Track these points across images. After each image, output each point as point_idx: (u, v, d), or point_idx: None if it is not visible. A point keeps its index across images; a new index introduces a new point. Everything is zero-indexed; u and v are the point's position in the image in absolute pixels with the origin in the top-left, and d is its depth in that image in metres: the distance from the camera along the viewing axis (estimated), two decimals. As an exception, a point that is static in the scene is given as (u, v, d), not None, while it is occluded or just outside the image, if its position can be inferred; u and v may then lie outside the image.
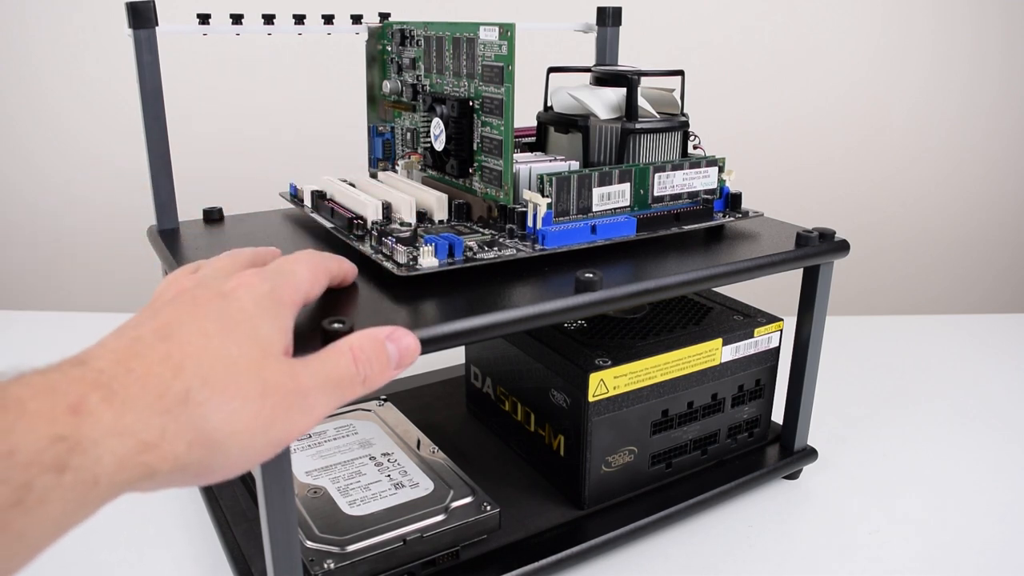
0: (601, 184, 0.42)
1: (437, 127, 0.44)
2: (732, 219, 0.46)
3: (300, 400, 0.25)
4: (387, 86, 0.50)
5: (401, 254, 0.36)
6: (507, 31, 0.39)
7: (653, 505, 0.44)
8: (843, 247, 0.44)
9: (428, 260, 0.36)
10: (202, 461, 0.23)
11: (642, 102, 0.44)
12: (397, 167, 0.51)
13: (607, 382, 0.41)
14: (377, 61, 0.52)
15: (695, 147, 0.46)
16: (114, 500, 0.21)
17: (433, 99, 0.44)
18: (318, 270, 0.31)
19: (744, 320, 0.47)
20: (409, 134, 0.50)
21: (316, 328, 0.29)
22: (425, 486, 0.42)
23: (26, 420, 0.20)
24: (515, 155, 0.43)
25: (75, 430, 0.20)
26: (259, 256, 0.32)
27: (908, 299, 1.04)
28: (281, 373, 0.25)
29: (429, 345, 0.31)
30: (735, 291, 0.50)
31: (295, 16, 0.47)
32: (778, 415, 0.50)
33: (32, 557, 0.20)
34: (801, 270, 0.45)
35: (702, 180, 0.45)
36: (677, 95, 0.46)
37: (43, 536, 0.20)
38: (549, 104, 0.48)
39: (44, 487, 0.19)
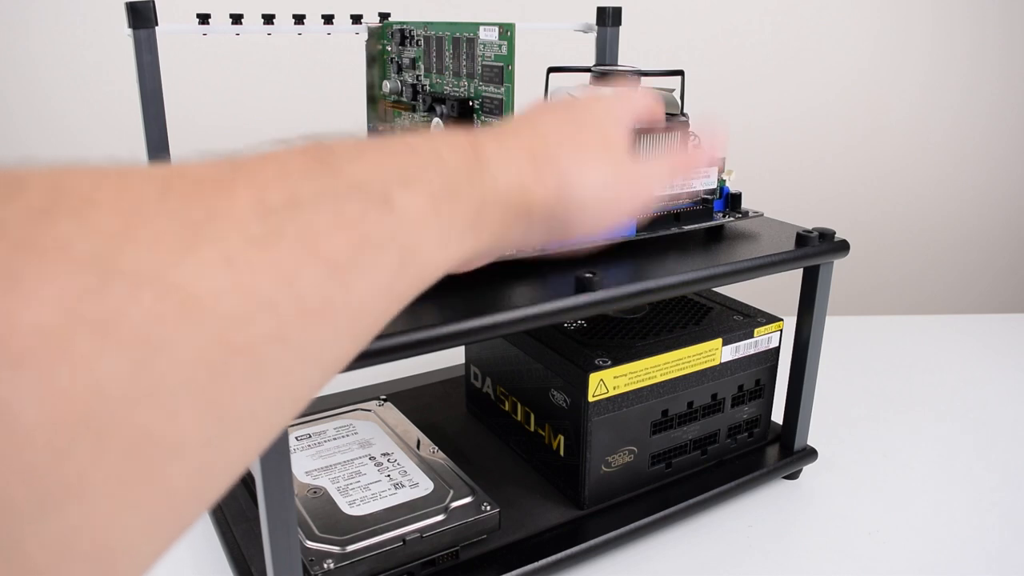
0: (601, 184, 0.42)
1: (437, 127, 0.44)
2: (732, 219, 0.46)
3: (637, 178, 0.31)
4: (387, 86, 0.50)
5: (401, 254, 0.36)
6: (507, 31, 0.39)
7: (653, 505, 0.44)
8: (843, 247, 0.44)
9: (428, 260, 0.36)
10: (567, 212, 0.28)
11: (642, 102, 0.43)
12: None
13: (607, 382, 0.41)
14: (377, 61, 0.52)
15: (695, 147, 0.46)
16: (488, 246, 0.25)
17: (433, 99, 0.44)
18: (649, 101, 0.36)
19: (744, 320, 0.47)
20: (409, 134, 0.50)
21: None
22: (425, 486, 0.42)
23: (445, 141, 0.24)
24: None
25: (475, 151, 0.24)
26: None
27: (908, 299, 1.04)
28: (623, 159, 0.31)
29: (429, 345, 0.31)
30: (735, 291, 0.50)
31: (295, 16, 0.47)
32: (778, 415, 0.50)
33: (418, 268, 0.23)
34: (801, 270, 0.45)
35: (702, 180, 0.45)
36: (677, 95, 0.46)
37: (437, 250, 0.23)
38: (549, 104, 0.48)
39: (457, 190, 0.23)
